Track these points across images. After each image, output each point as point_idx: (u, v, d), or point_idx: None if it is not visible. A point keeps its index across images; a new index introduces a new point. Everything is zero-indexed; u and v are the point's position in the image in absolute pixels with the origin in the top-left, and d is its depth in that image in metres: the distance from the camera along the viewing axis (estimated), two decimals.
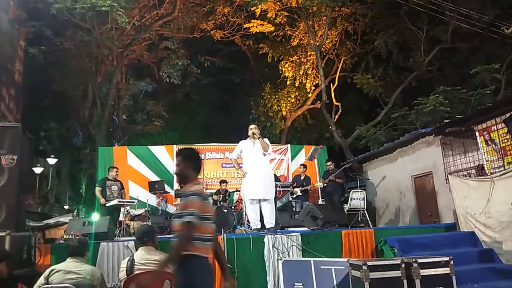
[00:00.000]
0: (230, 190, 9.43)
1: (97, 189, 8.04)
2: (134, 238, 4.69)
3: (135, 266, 3.38)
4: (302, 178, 9.53)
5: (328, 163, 9.50)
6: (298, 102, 15.55)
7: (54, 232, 8.56)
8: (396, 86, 13.83)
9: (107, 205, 7.67)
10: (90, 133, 14.98)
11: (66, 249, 3.78)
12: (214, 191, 9.38)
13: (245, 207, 6.57)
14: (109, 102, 14.22)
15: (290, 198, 9.72)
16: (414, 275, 4.47)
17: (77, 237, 5.15)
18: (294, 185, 9.46)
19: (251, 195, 6.21)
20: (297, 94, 15.22)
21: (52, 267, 3.60)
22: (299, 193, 9.22)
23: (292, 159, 10.78)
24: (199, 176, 3.07)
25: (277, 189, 8.40)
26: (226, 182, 9.31)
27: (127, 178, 9.69)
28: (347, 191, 9.56)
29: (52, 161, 16.21)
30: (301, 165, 9.89)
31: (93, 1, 10.13)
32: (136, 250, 3.63)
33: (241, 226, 6.81)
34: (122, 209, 8.00)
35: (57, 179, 20.43)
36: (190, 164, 3.00)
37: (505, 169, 5.98)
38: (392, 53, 13.96)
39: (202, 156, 10.19)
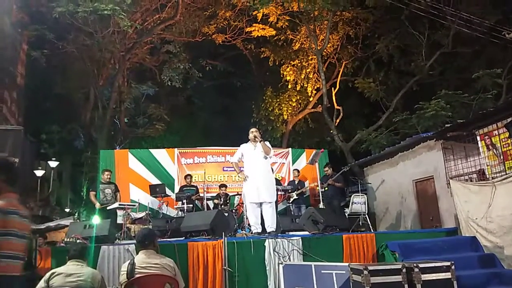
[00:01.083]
0: (231, 194, 9.45)
1: (91, 194, 8.09)
2: (135, 241, 4.69)
3: (135, 270, 3.38)
4: (296, 182, 9.62)
5: (325, 168, 9.55)
6: (299, 106, 15.56)
7: (55, 235, 8.56)
8: (397, 90, 13.83)
9: (108, 208, 7.69)
10: (92, 136, 15.01)
11: (67, 252, 3.79)
12: (214, 194, 9.40)
13: (246, 211, 6.56)
14: (111, 105, 14.25)
15: (287, 204, 9.74)
16: (415, 280, 4.46)
17: (78, 241, 5.17)
18: (289, 190, 9.51)
19: (252, 199, 6.20)
20: (298, 98, 15.24)
21: (53, 270, 3.60)
22: (295, 197, 9.27)
23: (293, 163, 10.80)
24: (11, 190, 2.84)
25: (278, 192, 8.41)
26: (226, 186, 9.35)
27: (128, 181, 9.71)
28: (348, 195, 9.55)
29: (53, 164, 16.24)
30: (294, 170, 10.03)
31: (95, 4, 10.19)
32: (137, 253, 3.63)
33: (242, 230, 6.80)
34: (119, 212, 8.01)
35: (58, 182, 20.43)
36: (0, 177, 2.84)
37: (506, 174, 5.97)
38: (393, 57, 13.97)
39: (203, 160, 10.41)
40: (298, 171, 9.92)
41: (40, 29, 11.91)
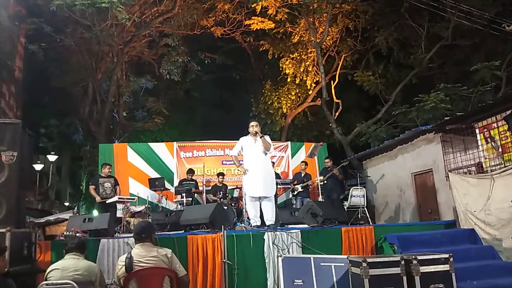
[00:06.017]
0: (230, 187, 9.44)
1: (91, 187, 8.10)
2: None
3: (133, 263, 3.39)
4: (302, 175, 9.55)
5: (326, 160, 9.51)
6: (298, 99, 15.53)
7: (54, 229, 8.57)
8: (396, 83, 13.80)
9: (107, 201, 7.70)
10: (90, 130, 14.97)
11: (64, 246, 3.80)
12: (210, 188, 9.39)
13: (245, 204, 6.57)
14: (109, 99, 14.22)
15: (291, 195, 9.72)
16: (414, 272, 4.47)
17: (78, 234, 5.18)
18: (295, 182, 9.48)
19: (251, 193, 6.20)
20: (297, 91, 15.21)
21: (51, 266, 3.62)
22: (300, 190, 9.23)
23: (292, 156, 10.81)
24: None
25: (278, 186, 8.40)
26: (223, 175, 9.30)
27: (127, 175, 9.72)
28: (347, 188, 9.56)
29: (52, 158, 16.25)
30: (302, 162, 9.91)
31: None
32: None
33: (241, 223, 6.82)
34: (118, 206, 8.02)
35: (58, 176, 20.48)
36: None
37: (505, 166, 5.98)
38: (392, 50, 13.93)
39: (202, 153, 10.42)
40: (306, 164, 9.76)
41: (38, 22, 11.81)
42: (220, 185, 9.20)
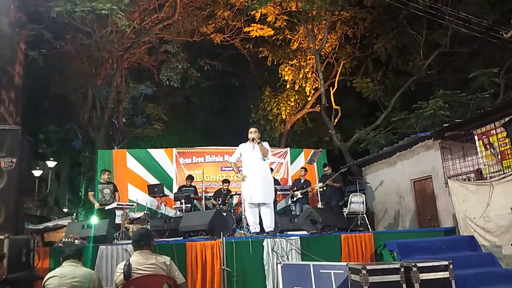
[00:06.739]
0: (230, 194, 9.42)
1: (90, 194, 8.11)
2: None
3: (132, 271, 3.37)
4: (302, 181, 9.55)
5: (326, 168, 9.52)
6: (297, 106, 15.56)
7: (53, 235, 8.55)
8: (395, 90, 13.84)
9: (106, 208, 7.68)
10: (90, 136, 14.98)
11: (62, 254, 3.79)
12: (212, 194, 9.37)
13: (244, 211, 6.56)
14: (109, 105, 14.22)
15: (290, 202, 9.70)
16: (414, 279, 4.46)
17: (76, 241, 5.16)
18: (294, 188, 9.47)
19: (250, 199, 6.19)
20: (296, 97, 15.24)
21: (49, 274, 3.60)
22: (299, 196, 9.22)
23: (291, 163, 10.80)
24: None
25: (277, 192, 8.39)
26: (228, 182, 9.28)
27: (126, 181, 9.71)
28: (347, 195, 9.55)
29: (51, 164, 16.16)
30: (301, 168, 9.91)
31: (93, 4, 10.15)
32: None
33: (240, 230, 6.80)
34: (117, 212, 8.00)
35: (57, 182, 20.39)
36: None
37: (504, 173, 5.99)
38: (391, 57, 13.98)
39: (202, 160, 10.41)
40: (306, 170, 9.78)
41: (38, 28, 11.85)
42: (225, 191, 9.19)
